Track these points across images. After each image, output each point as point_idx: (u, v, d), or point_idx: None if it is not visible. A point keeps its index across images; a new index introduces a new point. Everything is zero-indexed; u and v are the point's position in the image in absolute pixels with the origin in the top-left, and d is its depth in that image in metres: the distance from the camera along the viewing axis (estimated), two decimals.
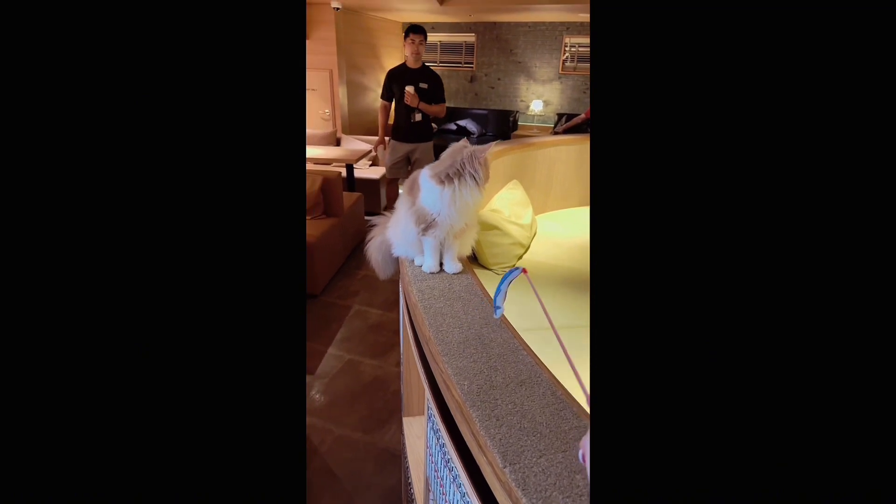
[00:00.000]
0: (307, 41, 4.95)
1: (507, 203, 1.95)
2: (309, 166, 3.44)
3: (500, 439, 0.55)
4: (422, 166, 1.00)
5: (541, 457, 0.52)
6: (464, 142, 0.97)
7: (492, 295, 0.90)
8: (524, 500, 0.47)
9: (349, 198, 3.35)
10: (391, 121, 3.29)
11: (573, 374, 0.51)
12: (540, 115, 6.44)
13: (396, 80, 3.06)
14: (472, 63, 6.66)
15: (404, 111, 3.09)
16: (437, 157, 1.00)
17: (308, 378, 2.11)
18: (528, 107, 6.49)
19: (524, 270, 0.68)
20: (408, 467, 1.20)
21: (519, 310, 0.90)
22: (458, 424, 0.64)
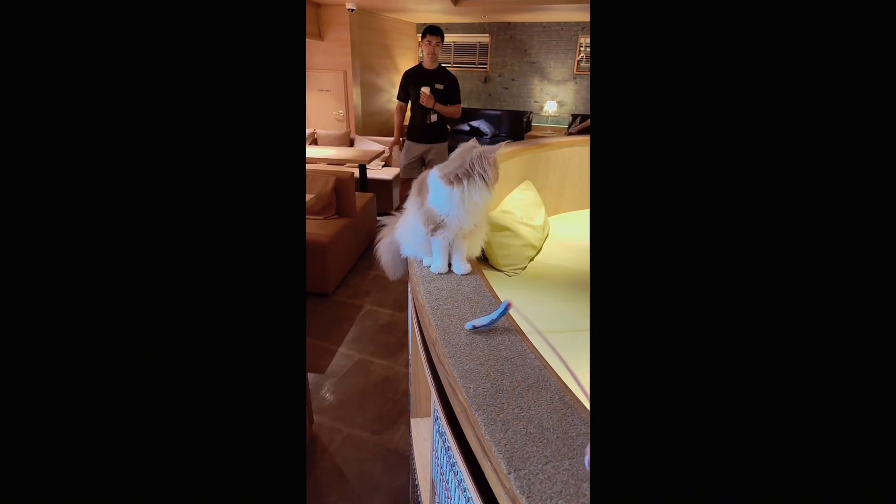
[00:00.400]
0: (322, 42, 5.00)
1: (519, 204, 1.93)
2: (322, 167, 3.47)
3: (506, 444, 0.54)
4: None
5: (546, 463, 0.51)
6: (473, 142, 0.96)
7: (500, 297, 0.89)
8: None
9: (362, 198, 3.37)
10: (407, 121, 3.30)
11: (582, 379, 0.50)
12: (554, 116, 6.40)
13: (412, 80, 3.07)
14: (485, 64, 6.64)
15: (420, 112, 3.09)
16: None
17: (318, 377, 2.12)
18: (542, 108, 6.45)
19: (509, 304, 0.73)
20: (415, 469, 1.19)
21: (527, 313, 0.89)
22: (463, 428, 0.63)
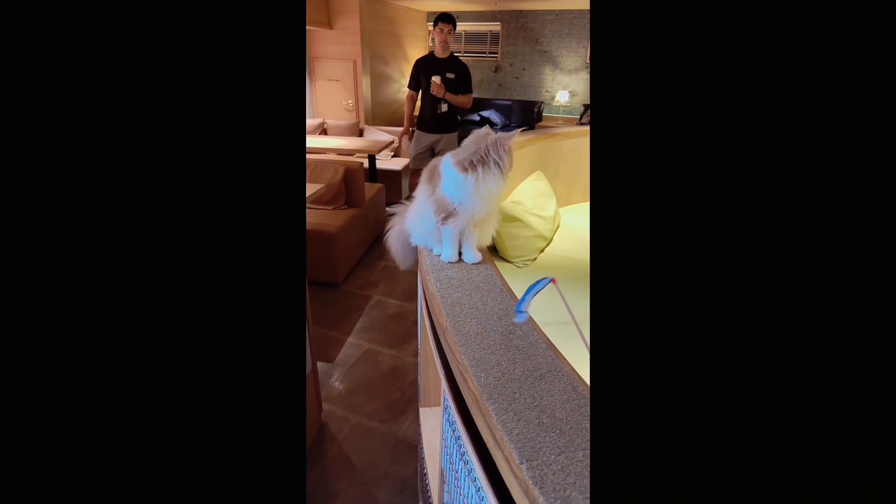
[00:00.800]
0: (331, 31, 4.96)
1: (529, 194, 1.91)
2: (331, 157, 3.46)
3: (518, 434, 0.53)
4: None
5: (560, 454, 0.50)
6: (486, 129, 0.94)
7: (511, 286, 0.88)
8: (541, 499, 0.45)
9: (371, 188, 3.36)
10: (417, 111, 3.27)
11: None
12: (566, 106, 6.31)
13: (424, 69, 3.03)
14: (496, 53, 6.56)
15: (430, 101, 3.06)
16: None
17: (327, 366, 2.13)
18: (553, 97, 6.36)
19: (553, 280, 0.69)
20: (423, 458, 1.19)
21: (539, 303, 0.88)
22: (473, 417, 0.62)
